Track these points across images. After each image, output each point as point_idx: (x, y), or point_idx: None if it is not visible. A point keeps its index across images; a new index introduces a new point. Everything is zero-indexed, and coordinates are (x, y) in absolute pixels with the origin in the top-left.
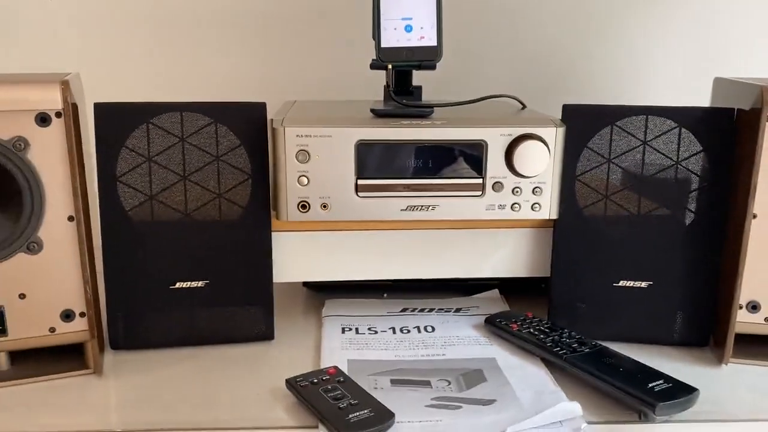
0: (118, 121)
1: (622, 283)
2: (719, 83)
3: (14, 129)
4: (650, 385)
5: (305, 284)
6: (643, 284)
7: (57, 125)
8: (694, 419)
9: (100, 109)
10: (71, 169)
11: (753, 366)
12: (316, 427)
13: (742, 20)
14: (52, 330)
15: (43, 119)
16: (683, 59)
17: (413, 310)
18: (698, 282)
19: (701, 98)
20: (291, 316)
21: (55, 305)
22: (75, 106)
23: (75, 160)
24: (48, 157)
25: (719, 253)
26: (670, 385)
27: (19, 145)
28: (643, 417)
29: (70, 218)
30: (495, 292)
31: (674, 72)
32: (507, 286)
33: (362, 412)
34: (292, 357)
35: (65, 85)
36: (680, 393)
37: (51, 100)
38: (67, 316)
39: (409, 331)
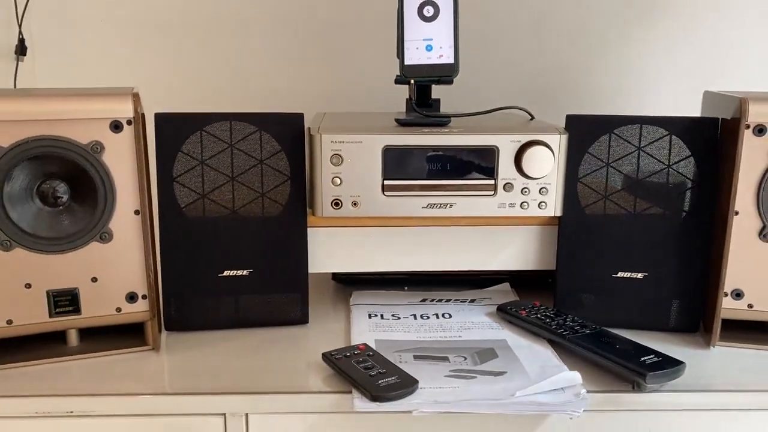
0: (176, 128)
1: (620, 274)
2: (708, 96)
3: (92, 134)
4: (642, 358)
5: (334, 277)
6: (639, 275)
7: (128, 131)
8: (681, 389)
9: (160, 118)
10: (138, 169)
11: (738, 348)
12: (350, 392)
13: (731, 40)
14: (118, 310)
15: (116, 126)
16: (678, 74)
17: (432, 301)
18: (688, 273)
19: (695, 109)
20: (322, 305)
21: (122, 288)
22: (143, 115)
23: (142, 162)
24: (119, 159)
25: (707, 247)
26: (660, 359)
27: (96, 148)
28: (636, 387)
29: (136, 212)
30: (506, 286)
31: (670, 85)
32: (517, 281)
33: (390, 378)
34: (325, 338)
35: (136, 97)
36: (669, 365)
37: (124, 109)
38: (132, 297)
39: (428, 318)
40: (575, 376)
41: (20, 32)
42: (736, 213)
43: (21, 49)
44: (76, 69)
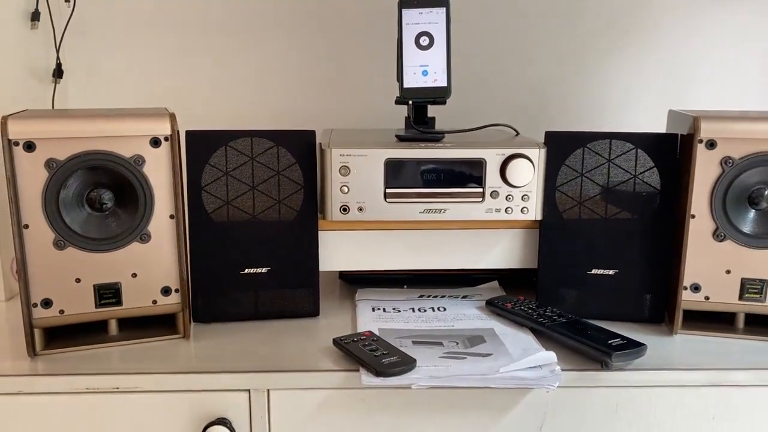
0: (204, 144)
1: (594, 271)
2: (671, 114)
3: (134, 149)
4: (609, 341)
5: (341, 276)
6: (611, 272)
7: (165, 147)
8: (645, 368)
9: (191, 134)
10: (174, 179)
11: (697, 336)
12: (357, 370)
13: (699, 63)
14: (154, 302)
15: (155, 142)
16: (650, 94)
17: (429, 297)
18: (653, 269)
19: (663, 125)
20: (330, 300)
21: (158, 283)
22: (178, 133)
23: (177, 173)
24: (157, 171)
25: (669, 246)
26: (625, 341)
27: (138, 161)
28: (604, 366)
29: (171, 216)
30: (495, 284)
31: (642, 104)
32: (505, 280)
33: (392, 358)
34: (334, 327)
35: (173, 117)
36: (632, 346)
37: (162, 128)
38: (166, 291)
39: (425, 311)
40: (551, 356)
41: (58, 57)
42: (693, 216)
43: (58, 73)
44: (104, 91)
